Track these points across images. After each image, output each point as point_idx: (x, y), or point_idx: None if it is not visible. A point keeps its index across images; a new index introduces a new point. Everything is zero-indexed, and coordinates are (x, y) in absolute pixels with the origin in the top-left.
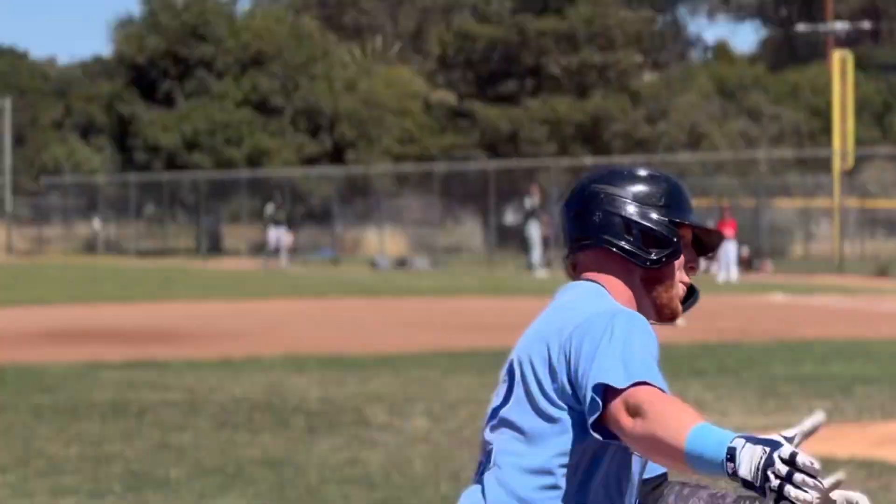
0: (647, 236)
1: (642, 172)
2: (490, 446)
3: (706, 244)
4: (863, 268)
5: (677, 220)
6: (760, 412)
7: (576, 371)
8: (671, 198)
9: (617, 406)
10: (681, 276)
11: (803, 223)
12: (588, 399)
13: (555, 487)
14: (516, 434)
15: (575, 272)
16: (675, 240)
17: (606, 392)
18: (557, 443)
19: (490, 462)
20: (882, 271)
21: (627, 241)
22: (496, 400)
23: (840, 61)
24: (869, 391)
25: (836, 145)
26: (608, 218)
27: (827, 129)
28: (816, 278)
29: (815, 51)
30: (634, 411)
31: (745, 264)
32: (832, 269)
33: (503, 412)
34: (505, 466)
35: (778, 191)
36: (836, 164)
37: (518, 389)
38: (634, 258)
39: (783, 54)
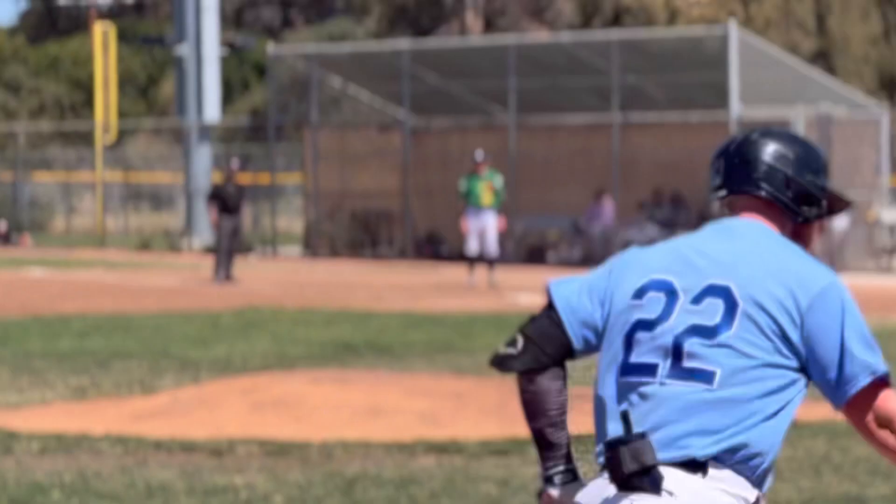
0: (801, 195)
1: (802, 137)
2: (700, 362)
3: (833, 209)
4: (126, 242)
5: (825, 186)
6: (14, 389)
7: (816, 341)
8: (821, 164)
9: (869, 402)
10: (816, 236)
11: (65, 197)
12: (850, 380)
13: (766, 419)
14: (727, 357)
15: (732, 211)
16: (823, 202)
17: (874, 377)
18: (782, 383)
19: (698, 375)
20: (145, 245)
21: (786, 196)
22: (705, 318)
23: (102, 34)
24: (127, 365)
25: (98, 118)
26: (773, 172)
27: (90, 102)
28: (78, 252)
29: (77, 23)
30: (886, 420)
31: (4, 239)
32: (95, 244)
33: (723, 334)
34: (716, 385)
35: (38, 164)
36: (99, 138)
37: (750, 323)
38: (791, 212)
39: (44, 27)
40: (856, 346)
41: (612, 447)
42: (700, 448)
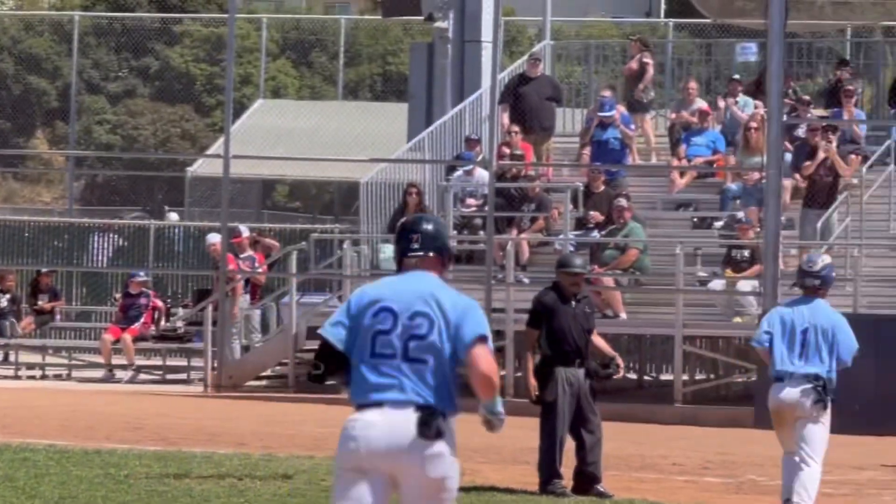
0: (449, 253)
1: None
2: (419, 353)
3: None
4: None
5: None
6: None
7: (457, 330)
8: None
9: (480, 348)
10: None
11: None
12: (466, 341)
13: (446, 380)
14: (433, 351)
15: (418, 267)
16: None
17: (477, 339)
18: (449, 359)
19: (420, 361)
20: None
21: (447, 254)
22: (418, 330)
23: None
24: None
25: None
26: (443, 243)
27: None
28: None
29: None
30: (487, 356)
31: None
32: None
33: (430, 338)
34: (430, 367)
35: None
36: None
37: (437, 330)
38: (446, 261)
39: None
40: (474, 329)
41: (425, 412)
42: (440, 405)
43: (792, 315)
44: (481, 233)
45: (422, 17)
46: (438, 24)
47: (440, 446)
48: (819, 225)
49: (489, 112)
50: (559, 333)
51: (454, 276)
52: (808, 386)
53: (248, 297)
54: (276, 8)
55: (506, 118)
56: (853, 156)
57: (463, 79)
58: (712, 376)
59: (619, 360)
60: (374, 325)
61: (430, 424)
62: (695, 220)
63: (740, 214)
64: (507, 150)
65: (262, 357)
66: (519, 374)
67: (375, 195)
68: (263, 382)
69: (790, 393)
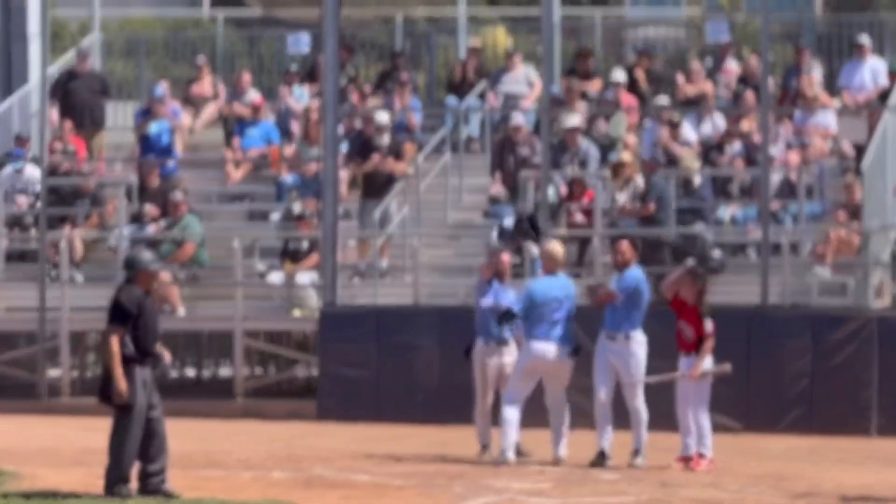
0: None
1: None
2: (557, 322)
3: None
4: None
5: None
6: None
7: (569, 309)
8: None
9: None
10: None
11: None
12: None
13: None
14: (563, 317)
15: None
16: None
17: None
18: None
19: (559, 326)
20: None
21: None
22: (553, 307)
23: None
24: None
25: None
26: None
27: None
28: None
29: None
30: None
31: None
32: None
33: (563, 311)
34: (564, 330)
35: None
36: None
37: (565, 306)
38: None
39: None
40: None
41: (572, 345)
42: (573, 342)
43: None
44: (33, 231)
45: None
46: None
47: (572, 359)
48: (377, 215)
49: (39, 108)
50: (144, 332)
51: (7, 275)
52: None
53: None
54: None
55: (55, 114)
56: (409, 144)
57: (11, 74)
58: (273, 370)
59: (167, 356)
60: (541, 303)
61: (573, 350)
62: (251, 212)
63: (297, 206)
64: (58, 146)
65: None
66: (75, 373)
67: None
68: None
69: None
